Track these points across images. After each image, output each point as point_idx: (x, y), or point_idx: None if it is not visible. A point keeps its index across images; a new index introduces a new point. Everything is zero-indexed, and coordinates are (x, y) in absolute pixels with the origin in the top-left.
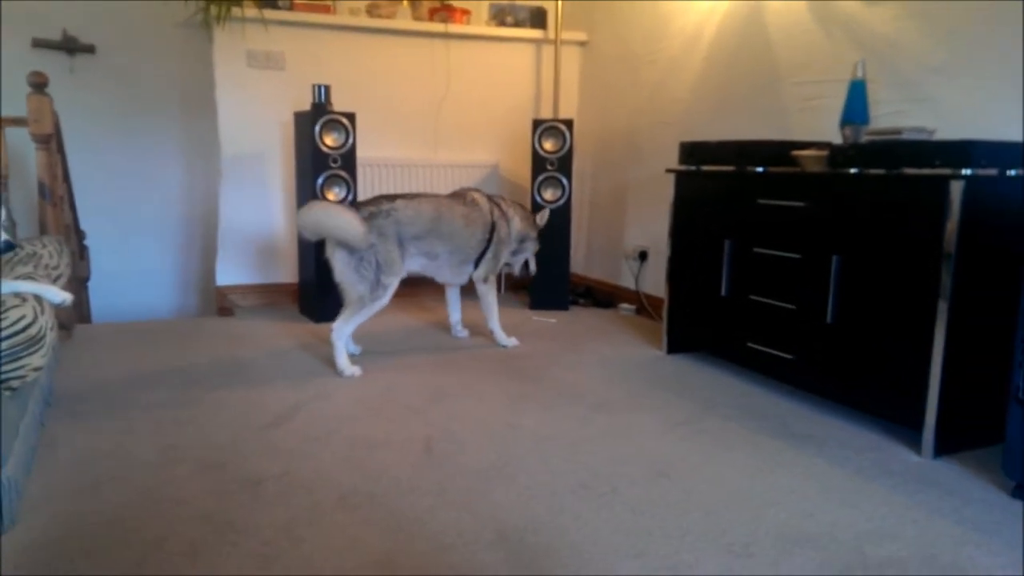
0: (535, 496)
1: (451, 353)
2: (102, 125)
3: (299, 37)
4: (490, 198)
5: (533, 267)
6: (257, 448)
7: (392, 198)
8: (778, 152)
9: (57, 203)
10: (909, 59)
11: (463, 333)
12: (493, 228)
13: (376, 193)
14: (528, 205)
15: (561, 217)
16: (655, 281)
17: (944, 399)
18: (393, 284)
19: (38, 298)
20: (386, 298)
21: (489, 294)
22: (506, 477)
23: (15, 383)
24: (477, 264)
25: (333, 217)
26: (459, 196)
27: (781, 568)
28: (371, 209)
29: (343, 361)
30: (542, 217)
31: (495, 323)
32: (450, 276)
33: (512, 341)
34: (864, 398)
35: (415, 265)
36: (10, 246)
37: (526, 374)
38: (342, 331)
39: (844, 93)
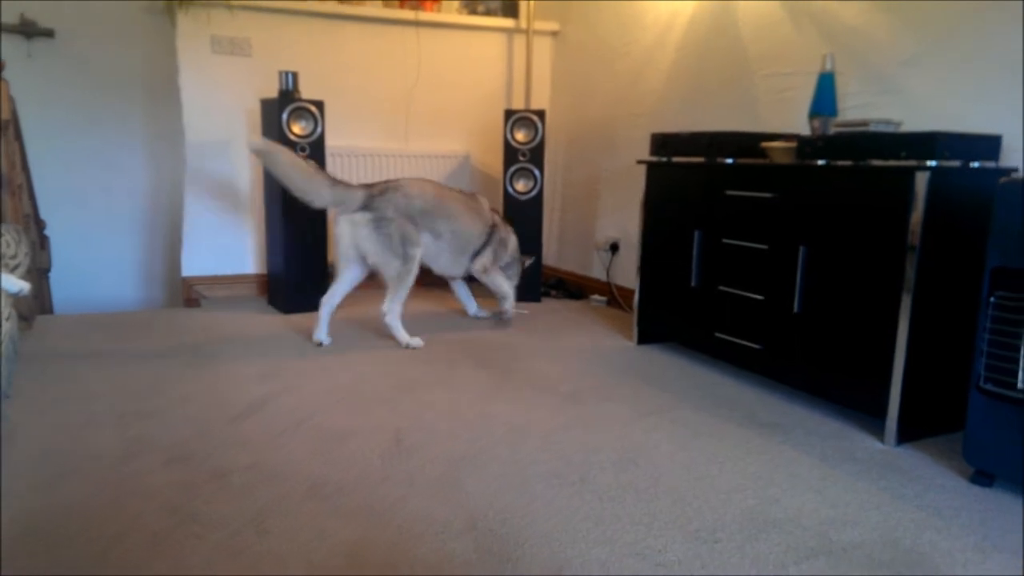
0: (506, 485)
1: (423, 345)
2: (62, 112)
3: (265, 23)
4: (479, 199)
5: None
6: (224, 440)
7: (397, 179)
8: (748, 144)
9: (15, 192)
10: (877, 52)
11: (483, 313)
12: (493, 228)
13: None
14: (500, 195)
15: (533, 209)
16: (626, 272)
17: (907, 388)
18: (418, 255)
19: None
20: (416, 268)
21: (492, 278)
22: (477, 466)
23: None
24: (474, 258)
25: (318, 195)
26: (462, 191)
27: (747, 553)
28: (382, 187)
29: (404, 335)
30: (526, 261)
31: (509, 303)
32: (449, 263)
33: (518, 310)
34: (830, 387)
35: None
36: None
37: (498, 365)
38: (394, 310)
39: (813, 85)
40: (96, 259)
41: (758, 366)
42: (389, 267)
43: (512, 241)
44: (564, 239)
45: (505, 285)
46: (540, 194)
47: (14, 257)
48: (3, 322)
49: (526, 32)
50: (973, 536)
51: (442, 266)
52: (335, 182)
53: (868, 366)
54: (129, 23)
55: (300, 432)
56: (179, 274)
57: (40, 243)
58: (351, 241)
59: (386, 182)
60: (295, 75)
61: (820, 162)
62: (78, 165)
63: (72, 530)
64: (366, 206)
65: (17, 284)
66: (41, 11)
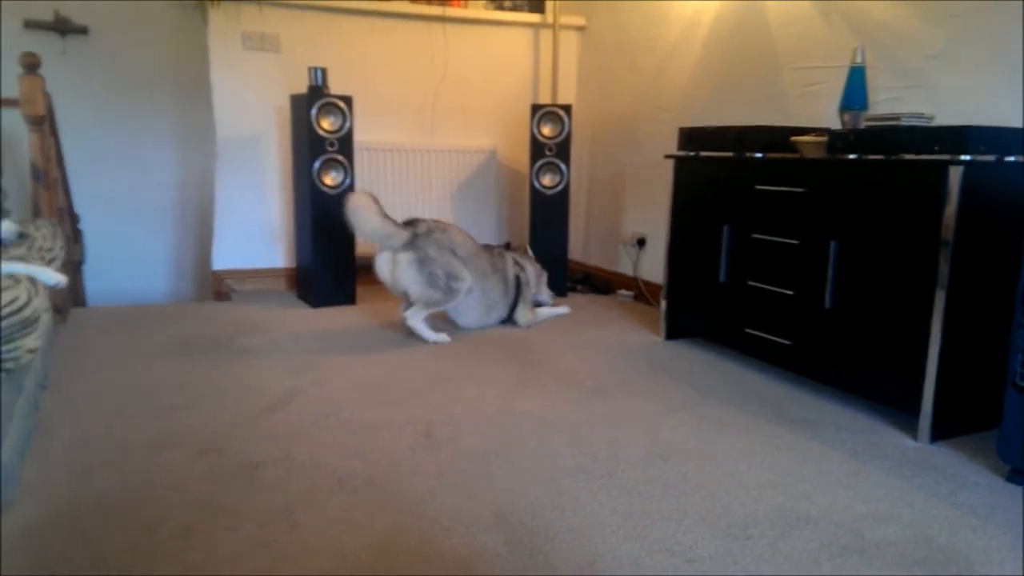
0: (534, 479)
1: (450, 340)
2: (96, 108)
3: (295, 19)
4: (504, 254)
5: (547, 297)
6: (254, 432)
7: (442, 222)
8: (777, 138)
9: (51, 186)
10: (908, 45)
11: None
12: (518, 282)
13: (373, 177)
14: (526, 191)
15: (559, 203)
16: (653, 267)
17: (941, 384)
18: (462, 289)
19: (32, 280)
20: (462, 293)
21: (540, 318)
22: (506, 461)
23: (9, 365)
24: (510, 315)
25: (367, 222)
26: (488, 249)
27: (779, 549)
28: (428, 225)
29: (429, 334)
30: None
31: (556, 312)
32: (475, 319)
33: (562, 309)
34: (861, 383)
35: None
36: (22, 235)
37: (525, 360)
38: (417, 317)
39: (843, 79)
40: (128, 253)
41: (787, 362)
42: (431, 299)
43: (529, 271)
44: (590, 234)
45: (549, 315)
46: (566, 189)
47: (50, 250)
48: (43, 314)
49: (552, 27)
50: (1009, 535)
51: (468, 321)
52: (385, 216)
53: (901, 362)
54: (161, 20)
55: (330, 425)
56: (210, 268)
57: (74, 237)
58: (390, 278)
59: (435, 222)
60: (324, 71)
61: (851, 156)
62: (111, 160)
63: (104, 520)
64: (410, 245)
65: (54, 277)
66: (75, 8)
